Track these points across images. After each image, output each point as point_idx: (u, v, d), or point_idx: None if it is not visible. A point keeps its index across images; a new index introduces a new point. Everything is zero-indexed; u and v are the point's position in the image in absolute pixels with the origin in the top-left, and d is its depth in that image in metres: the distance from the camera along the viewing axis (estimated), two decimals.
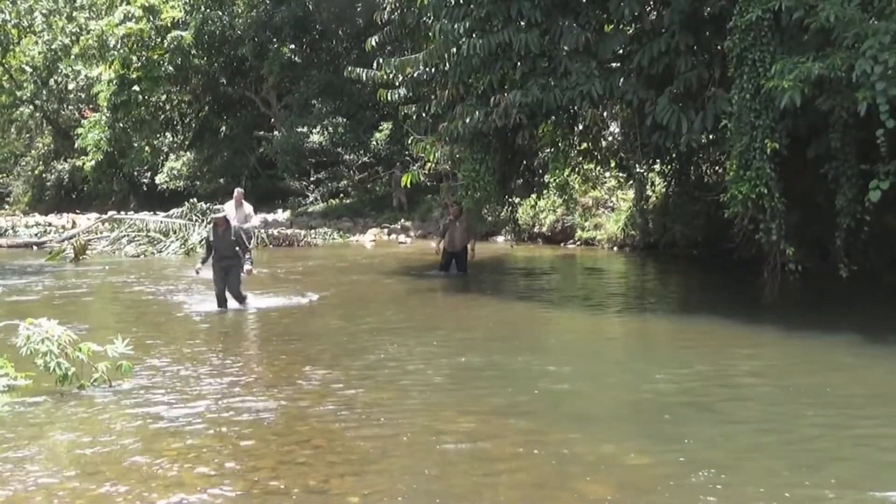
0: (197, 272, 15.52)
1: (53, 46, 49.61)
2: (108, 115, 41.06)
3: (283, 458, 6.91)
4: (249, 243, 18.48)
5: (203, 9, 39.15)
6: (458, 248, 19.51)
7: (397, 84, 19.51)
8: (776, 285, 13.70)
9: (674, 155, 17.95)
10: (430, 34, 17.73)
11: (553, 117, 16.89)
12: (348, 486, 6.26)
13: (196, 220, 27.96)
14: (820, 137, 13.41)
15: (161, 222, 29.03)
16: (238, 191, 21.39)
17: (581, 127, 18.26)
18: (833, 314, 13.33)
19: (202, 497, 6.09)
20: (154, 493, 6.15)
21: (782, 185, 12.99)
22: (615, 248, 25.17)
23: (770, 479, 6.31)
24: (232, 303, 14.91)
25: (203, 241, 15.73)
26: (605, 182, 26.97)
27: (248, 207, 20.91)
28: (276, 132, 41.02)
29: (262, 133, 42.70)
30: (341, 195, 41.45)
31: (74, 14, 49.16)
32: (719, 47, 14.72)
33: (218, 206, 16.77)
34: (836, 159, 12.98)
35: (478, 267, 21.53)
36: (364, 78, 20.38)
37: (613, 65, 16.91)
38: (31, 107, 54.61)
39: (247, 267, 14.86)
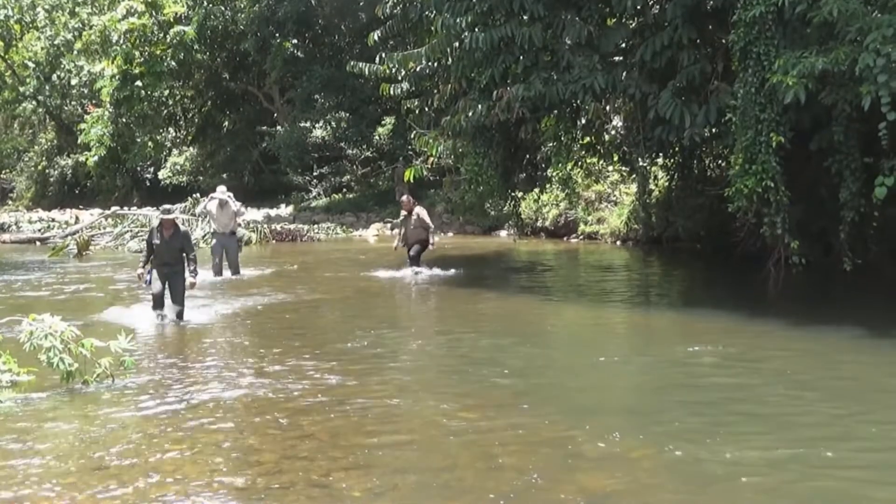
0: (140, 277, 13.41)
1: (56, 42, 49.57)
2: (110, 110, 41.02)
3: (286, 453, 6.92)
4: (239, 243, 18.08)
5: (205, 4, 39.16)
6: (409, 242, 18.65)
7: (400, 79, 19.52)
8: (780, 279, 13.70)
9: (677, 149, 17.95)
10: (433, 28, 17.75)
11: (556, 111, 16.90)
12: (351, 480, 6.26)
13: (199, 217, 28.02)
14: (823, 131, 13.40)
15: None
16: (220, 190, 19.59)
17: (584, 121, 18.26)
18: (836, 308, 13.34)
19: (206, 491, 6.09)
20: (158, 487, 6.15)
21: (785, 178, 12.99)
22: (618, 242, 25.19)
23: (782, 471, 6.33)
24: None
25: (144, 243, 13.50)
26: (608, 176, 27.03)
27: (234, 204, 19.42)
28: (278, 127, 41.04)
29: (264, 128, 42.72)
30: (344, 190, 41.47)
31: (77, 9, 49.13)
32: (723, 41, 14.72)
33: (167, 206, 14.86)
34: (840, 153, 12.99)
35: (480, 262, 21.57)
36: (367, 73, 20.35)
37: (616, 58, 16.92)
38: (34, 102, 54.55)
39: (190, 280, 13.19)
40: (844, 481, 6.19)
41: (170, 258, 13.06)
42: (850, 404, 8.13)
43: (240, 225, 21.52)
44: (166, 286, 13.08)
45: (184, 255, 13.17)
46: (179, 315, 13.09)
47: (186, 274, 13.16)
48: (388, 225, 32.45)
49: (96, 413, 8.21)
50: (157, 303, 13.05)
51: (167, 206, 14.68)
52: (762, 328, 11.96)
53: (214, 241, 19.31)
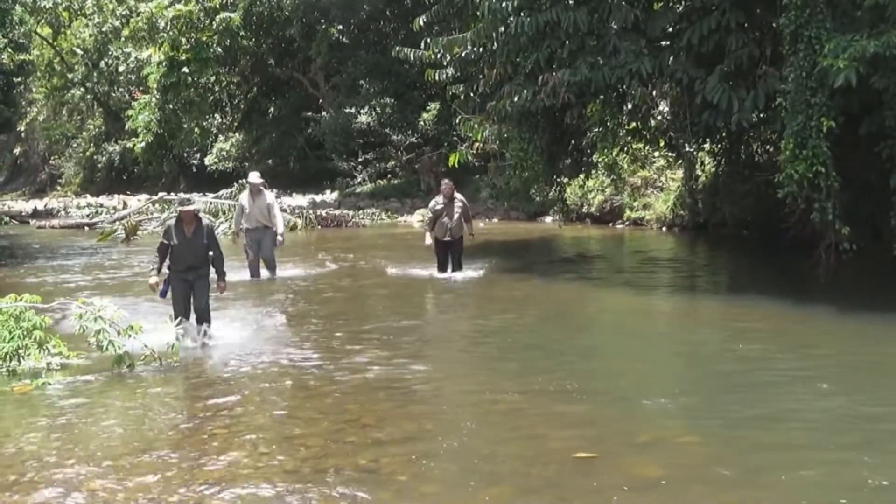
0: (154, 288, 10.67)
1: (104, 29, 50.04)
2: (157, 96, 41.27)
3: (332, 437, 6.94)
4: (279, 240, 16.19)
5: None
6: (454, 236, 16.15)
7: (445, 64, 19.44)
8: (830, 265, 13.53)
9: (724, 134, 17.76)
10: (478, 13, 17.63)
11: (602, 96, 16.77)
12: (397, 465, 6.27)
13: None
14: (873, 115, 13.20)
15: (210, 203, 29.24)
16: (254, 176, 16.53)
17: (630, 106, 18.10)
18: (887, 295, 13.12)
19: (252, 474, 6.13)
20: (205, 470, 6.20)
21: (834, 163, 12.82)
22: (664, 229, 24.99)
23: (828, 462, 6.26)
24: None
25: (159, 245, 10.92)
26: (654, 162, 26.77)
27: (269, 196, 16.47)
28: (324, 113, 41.09)
29: (310, 114, 42.76)
30: (389, 176, 41.43)
31: None
32: (772, 25, 14.53)
33: (187, 197, 11.97)
34: (891, 138, 12.79)
35: (526, 247, 21.48)
36: (412, 58, 20.27)
37: (663, 43, 16.74)
38: (82, 89, 55.01)
39: (220, 285, 11.00)
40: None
41: (194, 260, 10.62)
42: None
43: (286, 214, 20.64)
44: (190, 295, 10.69)
45: (209, 254, 10.78)
46: (206, 332, 10.61)
47: (214, 278, 10.94)
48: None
49: (143, 396, 8.30)
50: (184, 315, 10.53)
51: (185, 197, 12.85)
52: (813, 314, 11.83)
53: (246, 238, 16.27)
